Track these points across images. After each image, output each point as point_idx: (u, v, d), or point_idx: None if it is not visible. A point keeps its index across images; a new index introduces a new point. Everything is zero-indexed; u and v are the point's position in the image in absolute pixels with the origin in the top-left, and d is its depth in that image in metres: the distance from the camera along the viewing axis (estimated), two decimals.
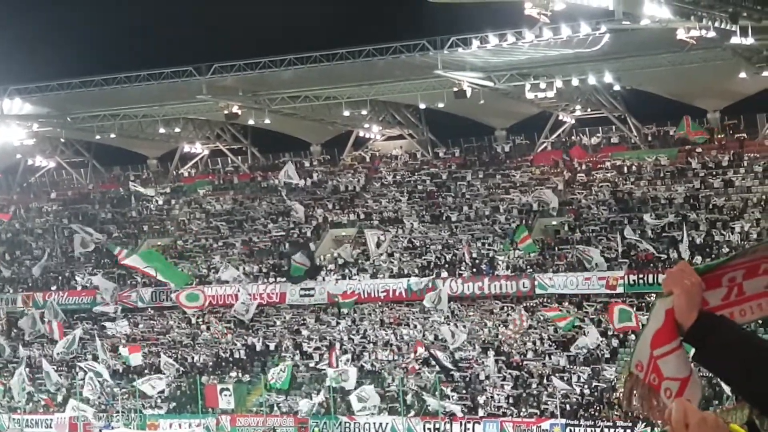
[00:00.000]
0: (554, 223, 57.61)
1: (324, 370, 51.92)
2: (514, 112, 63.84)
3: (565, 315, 50.22)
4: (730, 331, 3.65)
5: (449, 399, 48.36)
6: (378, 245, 57.80)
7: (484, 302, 54.14)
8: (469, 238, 57.35)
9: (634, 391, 3.74)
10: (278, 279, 58.97)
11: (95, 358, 56.65)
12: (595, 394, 46.64)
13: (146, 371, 55.78)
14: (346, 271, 58.06)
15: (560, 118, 63.24)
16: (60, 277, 64.88)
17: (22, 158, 74.68)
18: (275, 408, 51.62)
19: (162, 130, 65.58)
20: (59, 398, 55.76)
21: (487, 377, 49.07)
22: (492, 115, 64.42)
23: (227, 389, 52.59)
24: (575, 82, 53.38)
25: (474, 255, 55.60)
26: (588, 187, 59.18)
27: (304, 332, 56.30)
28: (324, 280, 57.90)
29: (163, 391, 54.04)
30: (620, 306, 48.11)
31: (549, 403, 46.95)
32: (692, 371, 3.71)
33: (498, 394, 48.18)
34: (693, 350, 3.68)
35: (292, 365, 51.90)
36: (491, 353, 50.07)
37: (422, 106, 61.71)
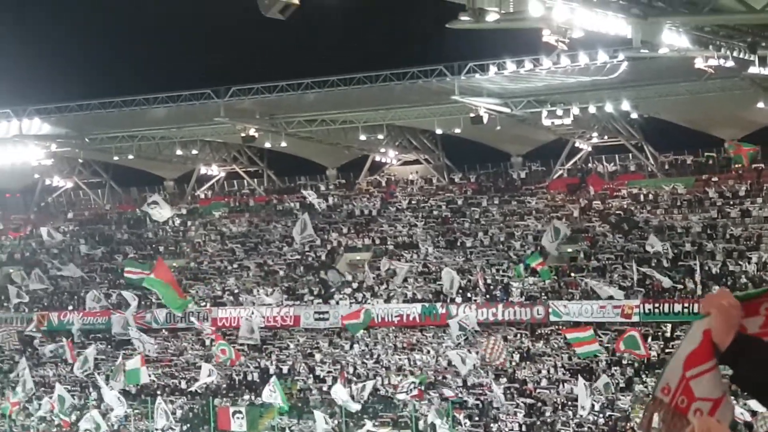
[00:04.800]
0: (569, 250, 57.46)
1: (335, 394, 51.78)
2: (531, 138, 63.86)
3: (590, 338, 49.45)
4: (767, 352, 3.67)
5: (462, 426, 48.12)
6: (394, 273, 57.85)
7: (498, 329, 53.95)
8: (483, 264, 57.24)
9: (656, 416, 3.74)
10: (293, 302, 58.98)
11: (108, 379, 56.61)
12: (609, 423, 46.36)
13: (158, 392, 55.77)
14: (359, 295, 58.01)
15: (577, 145, 63.22)
16: (75, 297, 64.99)
17: (40, 178, 75.08)
18: (287, 431, 51.50)
19: (179, 152, 65.86)
20: (73, 417, 55.73)
21: (500, 405, 48.78)
22: (508, 142, 64.45)
23: (240, 412, 52.50)
24: (592, 109, 53.38)
25: (488, 281, 55.48)
26: (604, 214, 59.06)
27: (317, 356, 56.20)
28: (338, 304, 57.86)
29: (174, 413, 53.94)
30: (632, 332, 47.89)
31: (562, 431, 46.68)
32: (725, 393, 3.71)
33: (511, 422, 47.95)
34: (731, 371, 3.69)
35: (282, 383, 51.66)
36: (503, 380, 49.83)
37: (438, 131, 61.79)
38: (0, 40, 77.42)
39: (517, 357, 51.80)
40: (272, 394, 50.28)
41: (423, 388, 50.19)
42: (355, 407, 49.49)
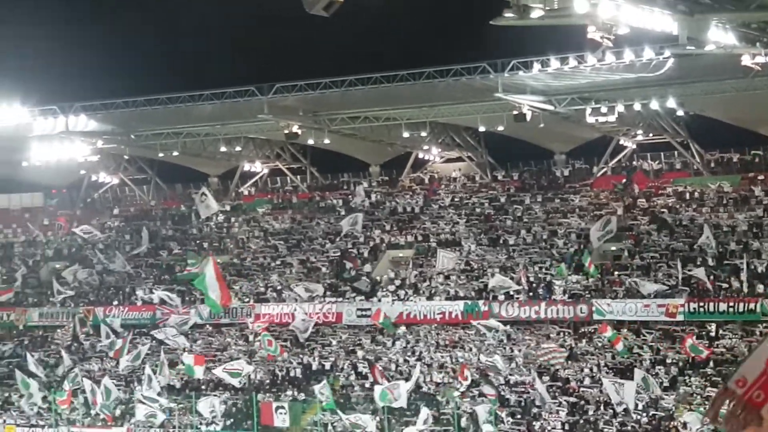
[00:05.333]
0: (613, 248, 57.16)
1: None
2: (575, 136, 63.59)
3: (613, 338, 49.76)
4: None
5: (504, 424, 48.02)
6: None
7: (540, 327, 53.80)
8: (526, 261, 57.09)
9: (724, 406, 3.75)
10: (336, 299, 59.20)
11: (153, 373, 57.14)
12: (653, 422, 46.08)
13: (203, 387, 56.19)
14: (402, 292, 58.05)
15: (621, 142, 62.86)
16: (121, 293, 65.60)
17: (86, 174, 75.90)
18: (330, 427, 51.66)
19: (223, 149, 66.27)
20: (117, 413, 56.30)
21: (543, 404, 48.59)
22: (552, 139, 64.23)
23: (283, 407, 52.75)
24: (637, 106, 53.02)
25: (531, 279, 55.31)
26: (649, 212, 58.70)
27: (360, 353, 56.32)
28: (380, 301, 57.95)
29: (215, 408, 54.32)
30: (691, 340, 47.83)
31: (605, 430, 46.46)
32: None
33: (554, 420, 47.80)
34: None
35: (331, 382, 51.86)
36: (545, 379, 49.67)
37: (482, 128, 61.66)
38: (46, 39, 78.22)
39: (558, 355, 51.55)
40: (322, 393, 50.54)
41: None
42: (398, 404, 49.51)
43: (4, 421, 59.01)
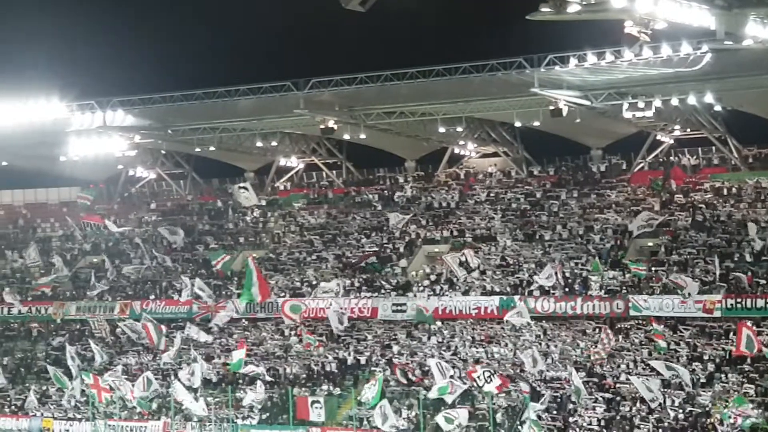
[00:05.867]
0: (650, 244, 56.85)
1: (415, 387, 51.97)
2: (611, 131, 63.28)
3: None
4: None
5: (540, 419, 47.90)
6: (464, 265, 57.85)
7: (576, 323, 53.63)
8: (562, 257, 56.90)
9: None
10: (371, 294, 59.29)
11: (190, 367, 57.61)
12: (690, 419, 45.83)
13: (240, 381, 56.49)
14: (438, 287, 58.04)
15: (658, 138, 62.50)
16: (157, 287, 66.04)
17: (123, 169, 76.53)
18: (365, 422, 51.78)
19: (259, 144, 66.52)
20: (154, 406, 56.71)
21: (578, 400, 48.41)
22: (588, 134, 63.97)
23: (318, 402, 52.92)
24: (675, 101, 52.63)
25: (567, 274, 55.13)
26: (686, 208, 58.32)
27: (395, 348, 56.37)
28: (416, 296, 57.98)
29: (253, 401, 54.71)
30: (748, 331, 47.40)
31: (642, 426, 46.26)
32: None
33: (590, 416, 47.64)
34: None
35: (383, 379, 51.97)
36: (582, 374, 49.48)
37: (517, 124, 61.51)
38: (84, 34, 78.87)
39: (594, 349, 51.38)
40: (372, 387, 50.67)
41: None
42: (451, 398, 49.59)
43: (42, 414, 59.64)
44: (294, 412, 53.12)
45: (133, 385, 56.65)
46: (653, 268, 53.99)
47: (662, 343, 49.48)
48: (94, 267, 69.86)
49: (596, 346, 51.06)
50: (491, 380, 49.03)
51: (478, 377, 49.23)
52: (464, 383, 49.94)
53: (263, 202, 72.14)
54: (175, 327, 63.14)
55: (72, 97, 60.26)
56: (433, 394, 50.14)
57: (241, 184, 69.45)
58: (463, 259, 57.79)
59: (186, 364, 58.42)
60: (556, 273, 54.31)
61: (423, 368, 53.06)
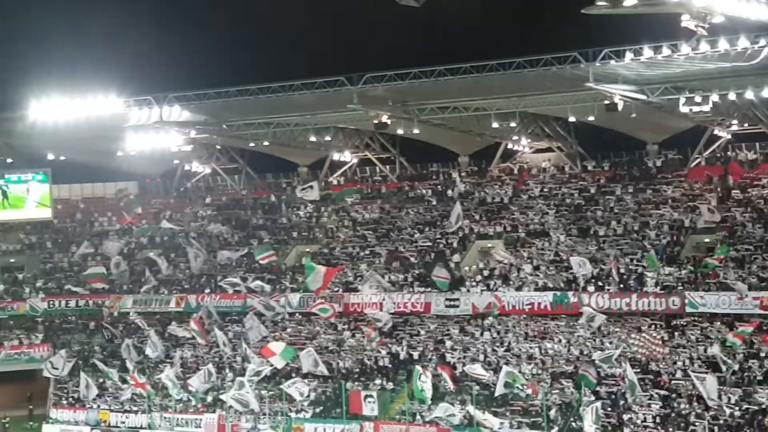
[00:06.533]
0: (707, 240, 56.26)
1: (466, 381, 51.94)
2: (667, 126, 62.66)
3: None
4: None
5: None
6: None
7: (631, 319, 53.24)
8: (617, 253, 56.49)
9: None
10: (424, 289, 59.31)
11: (244, 360, 58.06)
12: (746, 416, 45.34)
13: (292, 374, 56.81)
14: (491, 282, 57.93)
15: (716, 132, 61.79)
16: (212, 281, 66.56)
17: (179, 164, 77.21)
18: (418, 417, 51.85)
19: (313, 139, 66.74)
20: (209, 399, 57.22)
21: (634, 396, 48.07)
22: (644, 129, 63.40)
23: (371, 396, 53.10)
24: (732, 96, 51.95)
25: (622, 270, 54.73)
26: (743, 204, 57.63)
27: (448, 343, 56.36)
28: (469, 291, 57.90)
29: (308, 396, 54.99)
30: None
31: (697, 424, 45.86)
32: None
33: (644, 413, 47.30)
34: None
35: (433, 375, 52.02)
36: (637, 371, 49.11)
37: (572, 118, 61.11)
38: (139, 30, 79.60)
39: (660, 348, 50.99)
40: (423, 383, 50.76)
41: (534, 382, 49.95)
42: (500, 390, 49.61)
43: (99, 406, 60.39)
44: (347, 407, 53.34)
45: (188, 378, 57.25)
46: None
47: (737, 341, 48.79)
48: (150, 261, 70.54)
49: (647, 342, 50.68)
50: (522, 389, 49.11)
51: (514, 381, 49.17)
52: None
53: (316, 197, 72.49)
54: (230, 321, 63.68)
55: (129, 93, 60.89)
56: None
57: (308, 185, 70.05)
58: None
59: (240, 358, 58.91)
60: (610, 269, 54.01)
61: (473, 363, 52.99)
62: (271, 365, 57.11)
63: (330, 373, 56.50)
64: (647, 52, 46.30)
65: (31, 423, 62.37)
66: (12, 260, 74.03)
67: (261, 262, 65.18)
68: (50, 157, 72.70)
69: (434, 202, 67.69)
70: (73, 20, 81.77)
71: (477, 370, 51.71)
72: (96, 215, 79.15)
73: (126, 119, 62.57)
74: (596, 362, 50.17)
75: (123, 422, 58.94)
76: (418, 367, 52.10)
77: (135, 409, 59.07)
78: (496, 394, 49.57)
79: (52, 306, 69.34)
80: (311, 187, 69.46)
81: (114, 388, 60.97)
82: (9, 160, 71.69)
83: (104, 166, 75.95)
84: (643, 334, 51.41)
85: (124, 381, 59.96)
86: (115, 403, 60.18)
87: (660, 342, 50.59)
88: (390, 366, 56.12)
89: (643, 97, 52.27)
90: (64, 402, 61.77)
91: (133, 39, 78.03)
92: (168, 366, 59.90)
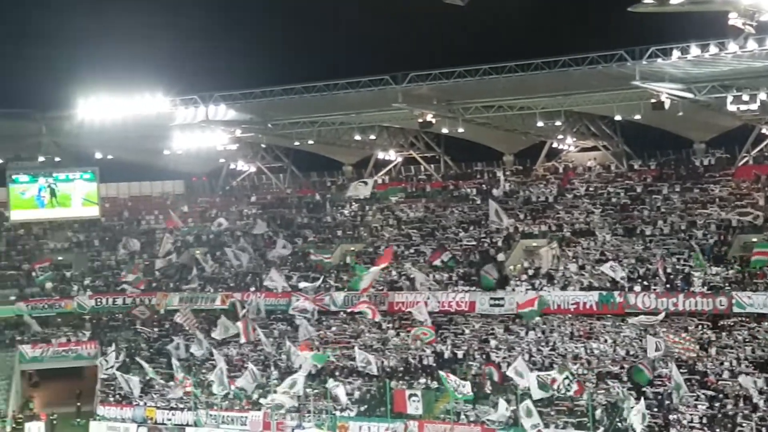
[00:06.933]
0: (754, 240, 55.70)
1: (511, 380, 51.79)
2: (715, 124, 62.11)
3: None
4: None
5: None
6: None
7: (678, 319, 52.83)
8: (663, 252, 56.09)
9: None
10: (468, 288, 59.25)
11: (288, 359, 58.34)
12: None
13: (337, 373, 56.98)
14: (536, 282, 57.74)
15: (763, 131, 61.14)
16: (257, 279, 66.91)
17: (225, 162, 77.73)
18: (462, 416, 51.80)
19: (358, 137, 66.86)
20: (255, 396, 57.51)
21: (680, 397, 47.72)
22: (691, 128, 62.91)
23: (416, 395, 53.11)
24: None
25: (668, 270, 54.34)
26: None
27: (492, 342, 56.25)
28: (513, 290, 57.76)
29: (352, 395, 55.13)
30: None
31: (744, 425, 45.42)
32: None
33: (691, 414, 46.94)
34: None
35: (463, 372, 51.91)
36: (683, 371, 48.75)
37: (618, 117, 60.72)
38: (187, 31, 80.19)
39: (697, 348, 50.59)
40: (454, 384, 50.73)
41: (581, 381, 49.62)
42: (538, 394, 49.39)
43: (145, 403, 60.90)
44: (391, 405, 53.40)
45: (234, 376, 57.61)
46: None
47: None
48: (195, 259, 71.07)
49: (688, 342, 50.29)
50: (570, 387, 48.73)
51: (559, 385, 48.85)
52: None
53: (361, 196, 72.71)
54: (274, 319, 63.98)
55: (176, 92, 61.48)
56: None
57: (362, 180, 70.44)
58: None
59: (284, 356, 59.19)
60: (657, 269, 53.64)
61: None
62: (315, 364, 57.33)
63: (375, 371, 56.58)
64: (694, 50, 45.93)
65: (78, 420, 63.05)
66: (60, 258, 74.86)
67: (314, 258, 65.45)
68: (98, 155, 73.40)
69: (479, 201, 67.56)
70: (120, 20, 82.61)
71: (519, 369, 51.33)
72: (143, 213, 79.85)
73: (172, 118, 63.10)
74: (653, 359, 49.80)
75: (169, 419, 59.38)
76: (441, 373, 52.02)
77: (181, 406, 59.49)
78: (535, 398, 49.36)
79: (99, 303, 70.10)
80: (365, 183, 69.83)
81: (161, 385, 61.42)
82: (57, 159, 72.43)
83: (151, 165, 76.70)
84: (683, 335, 50.96)
85: (170, 378, 60.38)
86: (161, 401, 60.66)
87: (695, 345, 50.03)
88: (434, 365, 56.11)
89: (690, 95, 51.84)
90: (111, 399, 62.33)
91: (180, 38, 78.70)
92: (215, 363, 60.19)
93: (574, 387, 48.71)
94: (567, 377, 48.79)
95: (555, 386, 48.75)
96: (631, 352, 51.90)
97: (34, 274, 71.78)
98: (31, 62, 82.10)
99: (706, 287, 52.44)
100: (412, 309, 58.75)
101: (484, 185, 69.37)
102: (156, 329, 68.08)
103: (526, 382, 49.71)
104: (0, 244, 75.93)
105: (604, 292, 54.66)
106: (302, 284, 63.42)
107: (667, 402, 47.94)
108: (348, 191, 71.00)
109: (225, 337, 63.07)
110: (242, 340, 61.97)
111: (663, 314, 51.84)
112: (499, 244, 62.61)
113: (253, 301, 64.61)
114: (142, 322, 68.31)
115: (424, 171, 73.71)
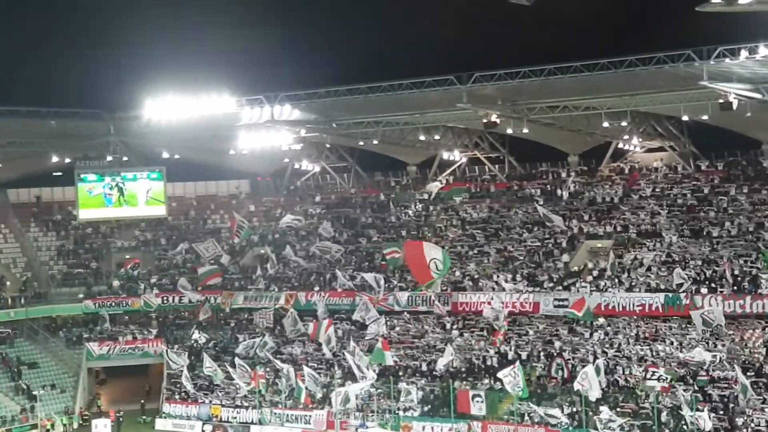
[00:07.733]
0: None
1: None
2: None
3: None
4: None
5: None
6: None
7: (745, 321, 52.16)
8: (731, 254, 55.40)
9: None
10: (533, 288, 59.02)
11: (354, 358, 58.53)
12: None
13: (401, 374, 57.08)
14: (602, 283, 57.32)
15: None
16: (322, 278, 67.24)
17: (290, 162, 78.19)
18: (526, 417, 51.63)
19: (422, 138, 66.90)
20: (319, 395, 57.82)
21: (746, 399, 47.12)
22: (759, 128, 62.06)
23: (479, 395, 53.06)
24: None
25: (736, 272, 53.65)
26: None
27: (557, 343, 55.98)
28: (579, 291, 57.40)
29: (416, 394, 55.21)
30: None
31: None
32: None
33: (758, 417, 46.32)
34: None
35: (523, 371, 51.72)
36: (750, 374, 48.13)
37: (685, 117, 60.05)
38: (251, 30, 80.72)
39: (764, 351, 49.93)
40: (513, 379, 50.55)
41: (672, 382, 49.17)
42: (594, 395, 49.14)
43: (211, 401, 61.49)
44: (455, 405, 53.38)
45: (300, 374, 58.01)
46: None
47: None
48: (261, 258, 71.62)
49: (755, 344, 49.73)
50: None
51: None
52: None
53: (425, 196, 72.80)
54: (338, 318, 64.25)
55: (242, 92, 61.99)
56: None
57: (440, 177, 71.24)
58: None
59: (349, 354, 59.44)
60: (724, 271, 53.00)
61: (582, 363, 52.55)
62: (379, 363, 57.47)
63: (438, 372, 56.62)
64: (762, 50, 45.35)
65: (144, 417, 63.80)
66: (127, 256, 75.85)
67: (387, 256, 65.52)
68: (165, 155, 74.24)
69: (542, 202, 67.27)
70: (186, 21, 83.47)
71: (587, 373, 50.95)
72: (209, 213, 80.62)
73: (238, 118, 63.65)
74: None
75: (234, 417, 59.91)
76: (499, 374, 51.96)
77: (246, 404, 59.99)
78: (592, 399, 49.00)
79: (165, 302, 70.93)
80: (440, 181, 69.90)
81: (225, 383, 61.99)
82: (125, 158, 73.41)
83: (217, 165, 77.42)
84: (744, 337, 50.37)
85: (231, 378, 60.84)
86: (226, 399, 61.21)
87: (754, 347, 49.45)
88: (498, 366, 55.95)
89: (758, 95, 51.14)
90: (177, 397, 63.01)
91: (246, 39, 79.22)
92: (281, 360, 60.60)
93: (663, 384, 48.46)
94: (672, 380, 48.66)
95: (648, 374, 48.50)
96: (696, 359, 51.20)
97: (122, 271, 72.87)
98: (99, 64, 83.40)
99: None
100: (488, 314, 58.54)
101: (548, 186, 69.04)
102: (223, 327, 68.71)
103: (589, 387, 49.38)
104: (68, 243, 77.11)
105: (670, 294, 54.12)
106: (367, 275, 63.56)
107: (732, 405, 47.36)
108: (427, 186, 70.83)
109: (293, 337, 63.53)
110: (311, 336, 62.37)
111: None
112: (564, 244, 62.27)
113: (321, 300, 64.98)
114: (206, 320, 68.99)
115: (488, 171, 73.57)
